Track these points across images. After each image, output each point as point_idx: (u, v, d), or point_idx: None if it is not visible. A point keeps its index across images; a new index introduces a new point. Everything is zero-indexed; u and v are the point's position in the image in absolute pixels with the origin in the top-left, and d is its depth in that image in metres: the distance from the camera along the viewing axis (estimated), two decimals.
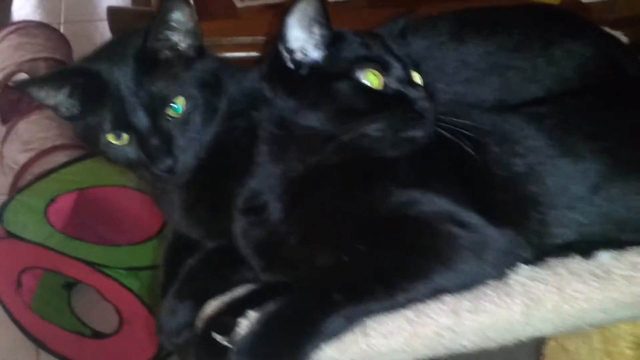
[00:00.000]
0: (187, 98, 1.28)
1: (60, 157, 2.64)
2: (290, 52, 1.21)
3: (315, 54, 1.21)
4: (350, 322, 1.10)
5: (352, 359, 1.11)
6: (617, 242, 1.21)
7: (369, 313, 1.11)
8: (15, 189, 2.57)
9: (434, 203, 1.17)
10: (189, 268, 1.37)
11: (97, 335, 2.61)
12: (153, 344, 2.44)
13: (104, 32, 4.17)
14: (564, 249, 1.20)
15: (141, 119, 1.25)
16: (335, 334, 1.09)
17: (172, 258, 1.45)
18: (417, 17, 1.42)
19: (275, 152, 1.24)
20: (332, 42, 1.21)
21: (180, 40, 1.30)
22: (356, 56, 1.21)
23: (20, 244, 2.39)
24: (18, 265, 2.49)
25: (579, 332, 1.25)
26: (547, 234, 1.21)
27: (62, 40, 3.19)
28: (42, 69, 2.77)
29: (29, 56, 2.83)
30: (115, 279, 2.34)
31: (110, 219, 2.59)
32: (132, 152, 1.27)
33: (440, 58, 1.41)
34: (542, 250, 1.20)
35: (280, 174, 1.23)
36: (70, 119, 1.31)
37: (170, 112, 1.27)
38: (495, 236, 1.16)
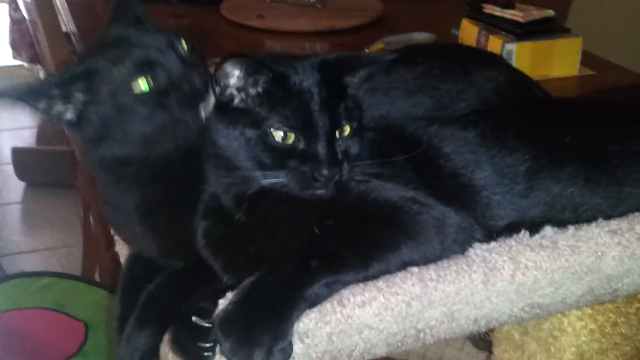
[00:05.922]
0: None
1: None
2: (221, 87, 1.25)
3: (237, 96, 1.25)
4: (330, 290, 1.15)
5: (329, 332, 1.14)
6: (558, 221, 1.32)
7: (346, 282, 1.16)
8: None
9: (392, 188, 1.25)
10: (148, 293, 1.36)
11: None
12: None
13: (7, 175, 4.17)
14: (512, 229, 1.30)
15: None
16: (317, 301, 1.13)
17: (128, 288, 1.44)
18: None
19: (216, 176, 1.30)
20: (265, 87, 1.24)
21: None
22: (273, 111, 1.23)
23: None
24: None
25: (531, 317, 1.31)
26: (492, 216, 1.32)
27: None
28: None
29: None
30: None
31: (29, 339, 2.53)
32: None
33: (368, 89, 1.49)
34: (491, 231, 1.30)
35: (227, 189, 1.29)
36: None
37: None
38: (452, 214, 1.25)
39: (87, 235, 3.10)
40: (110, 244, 2.68)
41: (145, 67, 1.33)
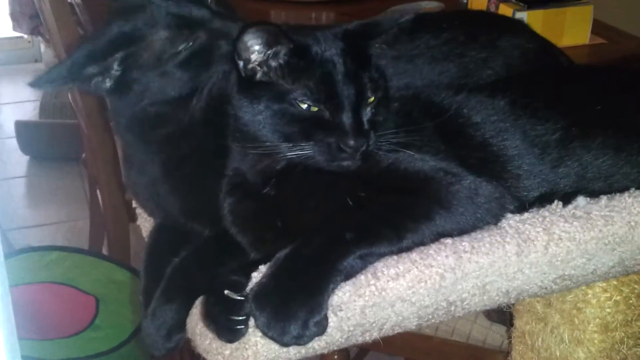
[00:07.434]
0: None
1: None
2: (243, 60, 1.22)
3: (259, 70, 1.22)
4: (364, 262, 1.13)
5: (363, 305, 1.13)
6: (590, 191, 1.30)
7: (380, 254, 1.15)
8: None
9: (423, 159, 1.24)
10: (174, 266, 1.34)
11: None
12: None
13: (11, 149, 4.14)
14: (544, 200, 1.28)
15: None
16: (351, 273, 1.12)
17: (153, 261, 1.42)
18: None
19: (240, 152, 1.28)
20: (286, 59, 1.21)
21: None
22: (296, 83, 1.20)
23: None
24: None
25: (560, 289, 1.30)
26: (524, 186, 1.30)
27: None
28: None
29: None
30: None
31: (39, 313, 2.52)
32: None
33: (393, 57, 1.47)
34: (523, 202, 1.28)
35: (253, 165, 1.26)
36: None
37: None
38: (484, 184, 1.23)
39: (94, 208, 3.09)
40: (120, 217, 2.68)
41: (183, 28, 1.30)
